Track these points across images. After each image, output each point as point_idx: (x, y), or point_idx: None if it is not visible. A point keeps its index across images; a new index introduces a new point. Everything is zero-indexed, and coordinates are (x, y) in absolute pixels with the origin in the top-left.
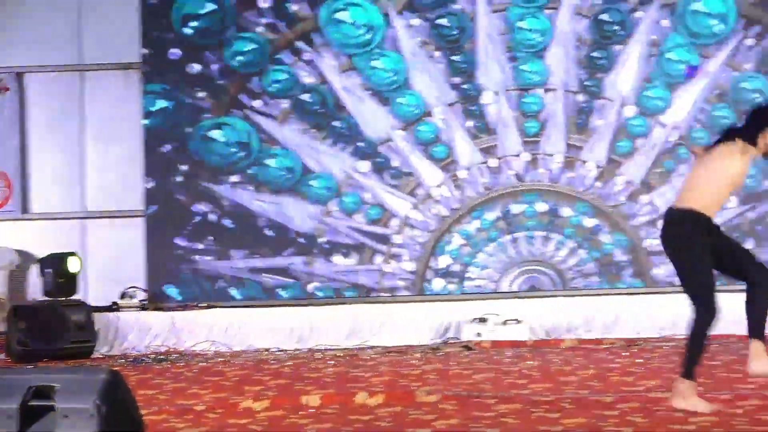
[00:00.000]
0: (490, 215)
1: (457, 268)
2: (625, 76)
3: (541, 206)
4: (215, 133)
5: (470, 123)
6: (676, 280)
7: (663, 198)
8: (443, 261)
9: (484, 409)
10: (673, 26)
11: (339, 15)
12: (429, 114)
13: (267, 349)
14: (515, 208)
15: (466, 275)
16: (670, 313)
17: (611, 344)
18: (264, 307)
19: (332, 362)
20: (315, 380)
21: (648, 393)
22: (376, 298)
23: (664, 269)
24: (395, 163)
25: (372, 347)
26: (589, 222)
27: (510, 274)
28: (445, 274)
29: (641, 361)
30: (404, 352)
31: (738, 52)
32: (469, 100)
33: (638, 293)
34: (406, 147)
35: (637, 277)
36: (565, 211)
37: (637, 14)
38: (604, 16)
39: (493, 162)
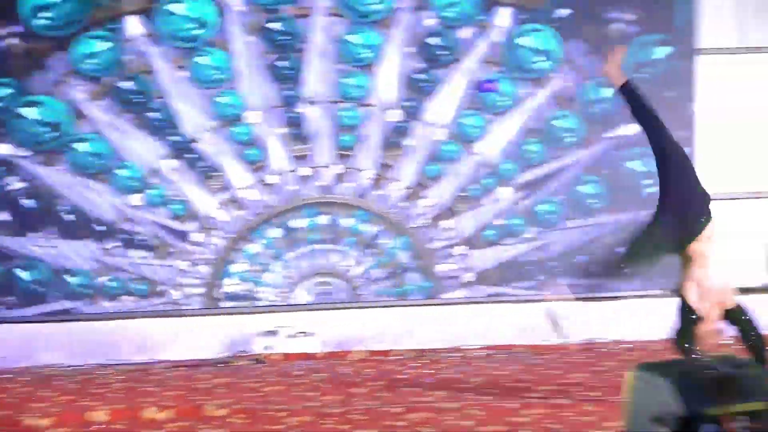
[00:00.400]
0: (274, 232)
1: (247, 283)
2: (445, 100)
3: (324, 218)
4: (26, 111)
5: (287, 130)
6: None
7: (466, 224)
8: (232, 280)
9: (275, 422)
10: (498, 58)
11: (171, 6)
12: (246, 116)
13: (54, 365)
14: (302, 222)
15: (257, 290)
16: (458, 325)
17: (401, 355)
18: (51, 322)
19: (121, 377)
20: (102, 396)
21: (437, 404)
22: (166, 312)
23: (457, 294)
24: (206, 160)
25: (162, 361)
26: (371, 229)
27: (300, 286)
28: (234, 296)
29: (430, 372)
30: (194, 366)
31: (557, 89)
32: (288, 107)
33: (428, 305)
34: (219, 145)
35: (427, 290)
36: (348, 222)
37: (466, 42)
38: (434, 40)
39: (303, 171)
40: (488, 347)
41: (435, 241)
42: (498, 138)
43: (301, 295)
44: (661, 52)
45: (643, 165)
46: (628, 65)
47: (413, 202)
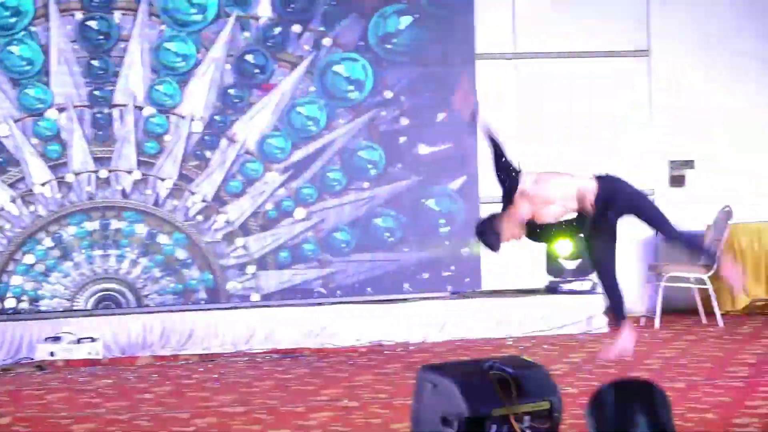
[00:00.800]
0: (63, 233)
1: (30, 286)
2: (253, 122)
3: (115, 223)
4: None
5: (92, 130)
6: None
7: (258, 244)
8: (15, 283)
9: (59, 429)
10: (311, 82)
11: None
12: (53, 111)
13: None
14: (92, 225)
15: (40, 294)
16: (244, 328)
17: (186, 360)
18: None
19: None
20: None
21: (223, 408)
22: None
23: (236, 285)
24: (4, 152)
25: None
26: (161, 237)
27: (85, 291)
28: (16, 300)
29: (216, 376)
30: None
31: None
32: (97, 107)
33: (213, 309)
34: (20, 138)
35: (212, 295)
36: (138, 228)
37: (279, 65)
38: (248, 58)
39: (103, 173)
40: (274, 351)
41: (226, 257)
42: (301, 161)
43: (86, 301)
44: (404, 22)
45: (436, 204)
46: (376, 36)
47: (209, 216)
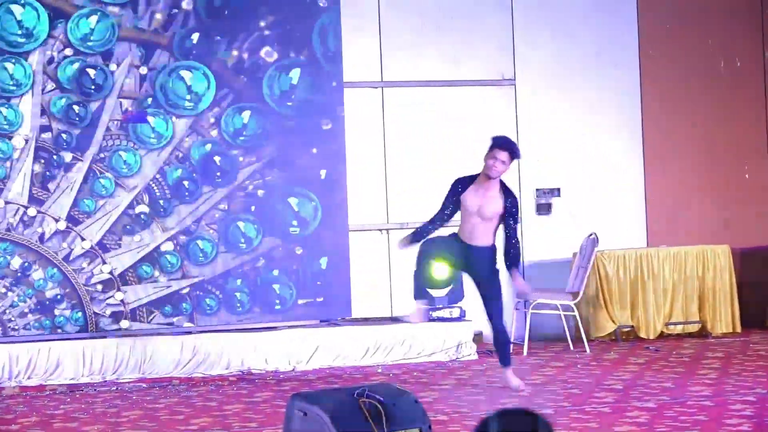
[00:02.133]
0: None
1: None
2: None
3: None
4: None
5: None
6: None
7: (119, 261)
8: None
9: None
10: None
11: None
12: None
13: None
14: None
15: None
16: (112, 357)
17: (54, 390)
18: None
19: None
20: None
21: None
22: None
23: (113, 326)
24: None
25: None
26: (16, 262)
27: None
28: None
29: (84, 406)
30: None
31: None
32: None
33: (81, 339)
34: None
35: (79, 324)
36: None
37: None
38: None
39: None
40: (143, 380)
41: (87, 277)
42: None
43: None
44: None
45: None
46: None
47: (68, 237)
